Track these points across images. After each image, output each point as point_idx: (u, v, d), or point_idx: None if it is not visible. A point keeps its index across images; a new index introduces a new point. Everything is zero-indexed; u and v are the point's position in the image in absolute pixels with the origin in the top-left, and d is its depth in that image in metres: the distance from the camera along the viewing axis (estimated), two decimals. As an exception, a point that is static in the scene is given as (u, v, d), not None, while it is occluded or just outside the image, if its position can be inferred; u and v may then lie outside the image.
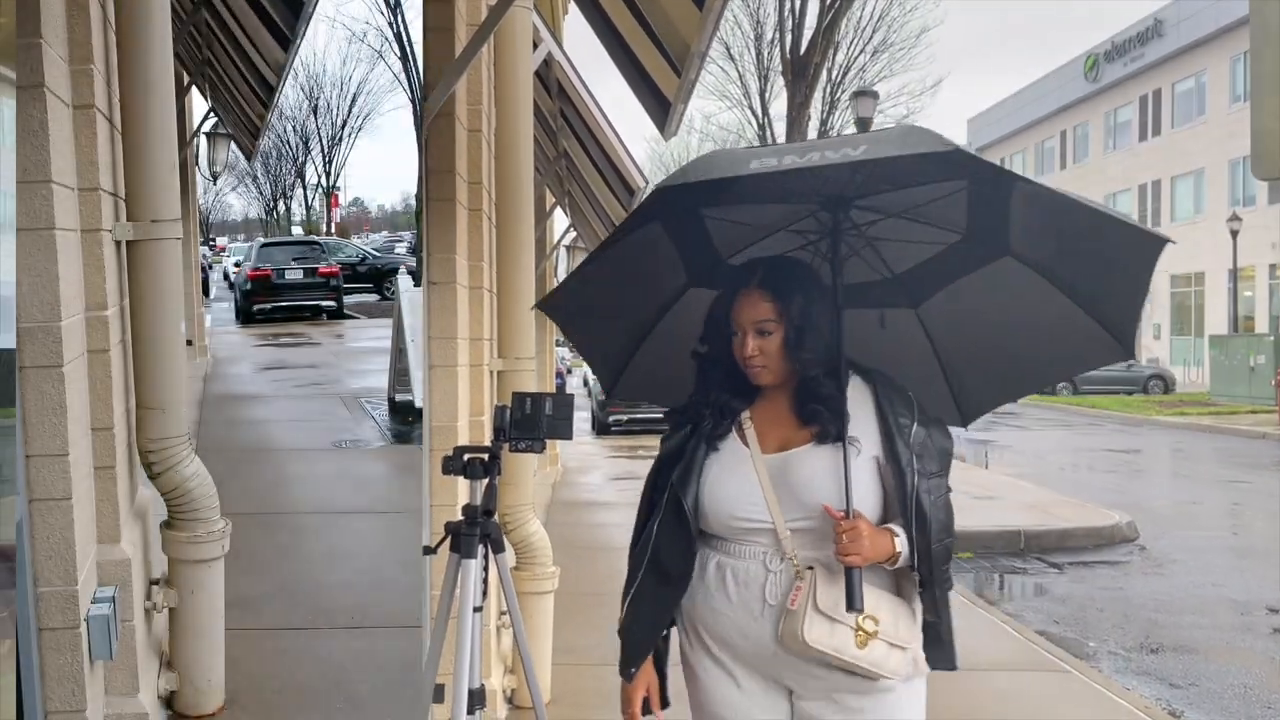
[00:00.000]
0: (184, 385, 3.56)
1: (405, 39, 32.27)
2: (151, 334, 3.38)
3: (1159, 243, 2.06)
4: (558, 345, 16.78)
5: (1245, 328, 31.29)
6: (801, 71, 28.15)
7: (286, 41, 9.85)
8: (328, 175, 56.72)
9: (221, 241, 55.92)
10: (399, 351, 11.14)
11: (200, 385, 12.14)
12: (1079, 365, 2.54)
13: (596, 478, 13.49)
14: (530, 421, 2.76)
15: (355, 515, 7.10)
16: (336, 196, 57.70)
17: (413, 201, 56.18)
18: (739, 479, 2.18)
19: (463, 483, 2.84)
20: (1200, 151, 34.57)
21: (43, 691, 2.72)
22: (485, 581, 2.81)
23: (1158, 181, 37.37)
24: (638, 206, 2.29)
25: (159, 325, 3.39)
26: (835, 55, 31.24)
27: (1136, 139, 38.78)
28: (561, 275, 11.19)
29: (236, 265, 28.37)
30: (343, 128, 55.40)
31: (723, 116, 49.14)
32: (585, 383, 26.68)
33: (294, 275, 21.32)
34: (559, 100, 7.70)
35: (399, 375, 11.20)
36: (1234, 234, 29.40)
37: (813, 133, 29.45)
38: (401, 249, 39.21)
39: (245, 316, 21.28)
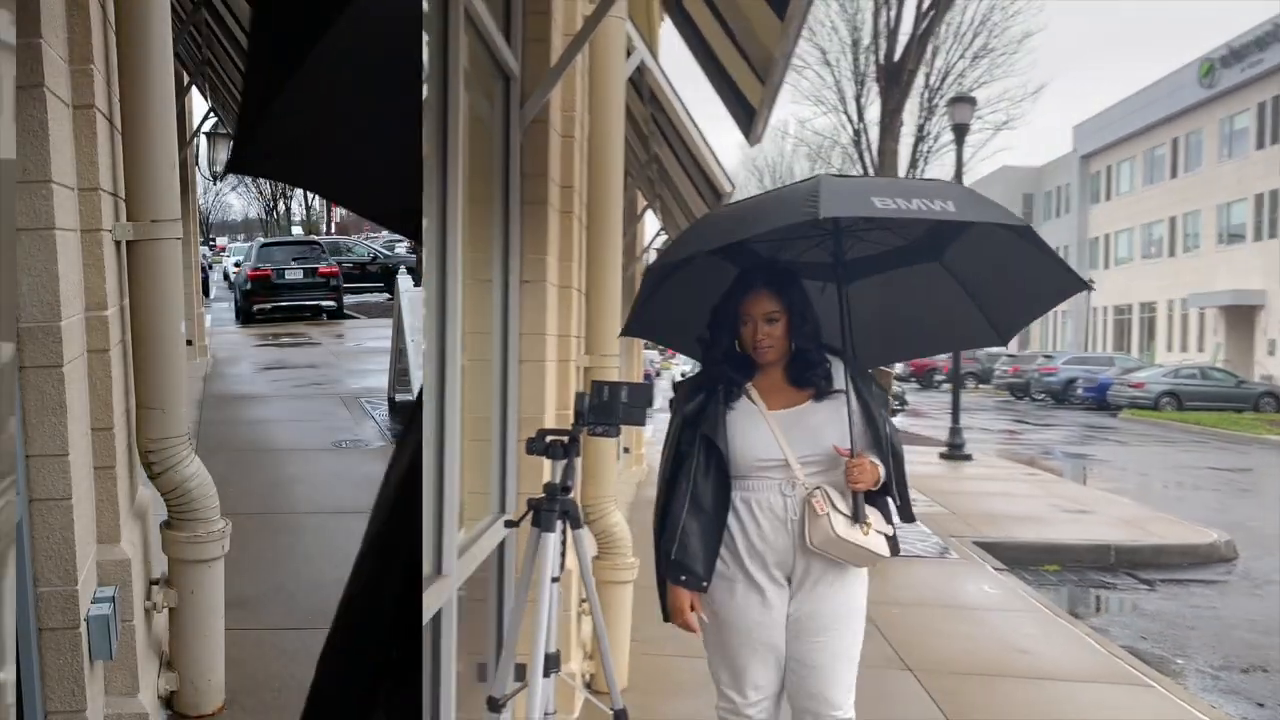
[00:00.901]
0: (184, 385, 3.56)
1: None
2: (151, 334, 3.39)
3: (1080, 285, 2.87)
4: (645, 349, 16.85)
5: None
6: (895, 78, 28.32)
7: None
8: (328, 175, 56.45)
9: (221, 241, 55.92)
10: (399, 351, 11.12)
11: (200, 385, 12.14)
12: (961, 344, 3.53)
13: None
14: (607, 408, 2.95)
15: (355, 515, 7.09)
16: (337, 196, 57.45)
17: (413, 201, 55.73)
18: (756, 429, 2.86)
19: (546, 463, 3.03)
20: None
21: (43, 691, 2.72)
22: (563, 555, 2.92)
23: (1275, 191, 35.72)
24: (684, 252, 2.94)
25: (159, 325, 3.40)
26: (934, 60, 31.59)
27: (1253, 147, 37.19)
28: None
29: (236, 265, 28.38)
30: (343, 127, 55.22)
31: (818, 121, 49.29)
32: (674, 387, 26.59)
33: (294, 275, 21.37)
34: (650, 106, 7.82)
35: (399, 375, 11.18)
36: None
37: (908, 137, 30.84)
38: (402, 249, 39.12)
39: (245, 316, 21.31)
